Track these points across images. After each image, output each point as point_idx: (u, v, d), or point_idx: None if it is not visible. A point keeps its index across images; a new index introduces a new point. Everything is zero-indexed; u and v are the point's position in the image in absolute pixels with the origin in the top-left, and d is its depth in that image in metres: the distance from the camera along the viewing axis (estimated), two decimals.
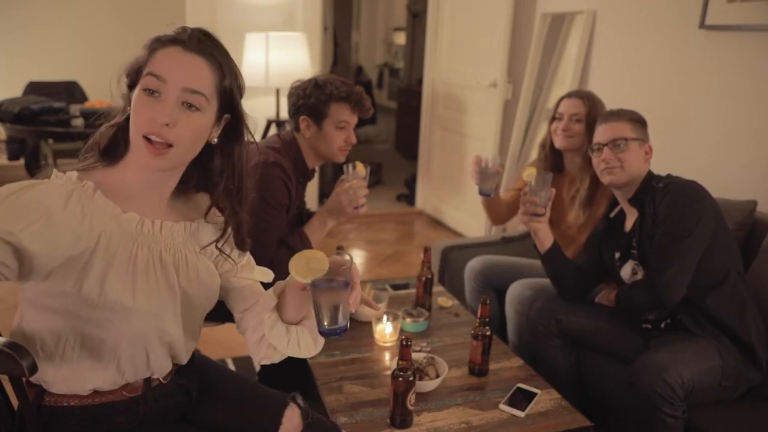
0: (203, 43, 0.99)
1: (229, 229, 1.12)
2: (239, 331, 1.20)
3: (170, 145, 0.96)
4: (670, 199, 1.62)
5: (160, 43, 0.98)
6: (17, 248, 0.85)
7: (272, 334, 1.06)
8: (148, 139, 0.95)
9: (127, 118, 0.99)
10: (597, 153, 1.73)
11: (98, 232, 0.95)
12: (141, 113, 0.95)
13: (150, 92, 0.95)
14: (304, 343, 1.08)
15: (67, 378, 1.01)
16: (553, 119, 2.13)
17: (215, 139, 1.05)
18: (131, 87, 1.00)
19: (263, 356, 1.13)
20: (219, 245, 1.12)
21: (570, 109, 2.06)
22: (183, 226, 1.08)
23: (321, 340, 1.11)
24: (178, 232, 1.07)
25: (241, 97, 1.06)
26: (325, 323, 0.98)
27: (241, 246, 1.16)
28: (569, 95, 2.11)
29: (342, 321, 0.99)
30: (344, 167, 1.83)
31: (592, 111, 2.03)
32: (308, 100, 1.81)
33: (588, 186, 2.03)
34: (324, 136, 1.83)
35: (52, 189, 0.92)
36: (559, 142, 2.09)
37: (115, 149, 1.02)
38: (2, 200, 0.87)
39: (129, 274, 0.98)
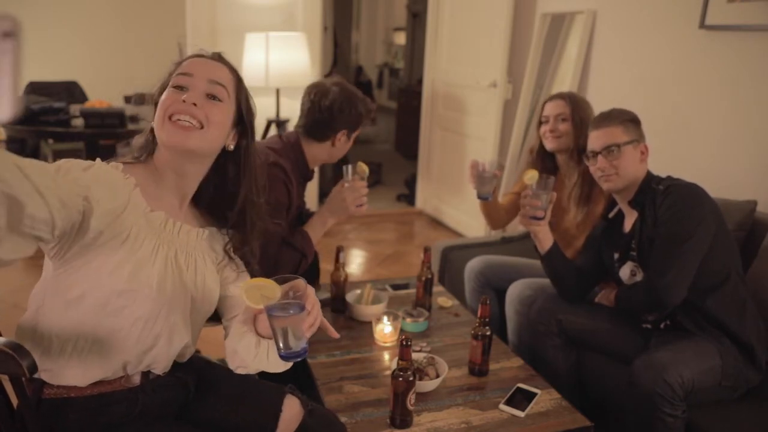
0: (221, 58, 1.15)
1: (232, 236, 1.20)
2: (224, 337, 1.20)
3: (201, 127, 1.05)
4: (670, 202, 1.62)
5: (185, 57, 1.13)
6: (86, 214, 0.94)
7: (241, 345, 1.07)
8: (175, 121, 1.04)
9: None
10: (592, 161, 1.74)
11: (131, 223, 1.03)
12: (168, 98, 1.05)
13: (179, 88, 1.07)
14: (274, 358, 1.06)
15: (73, 368, 1.04)
16: (540, 123, 2.16)
17: (231, 146, 1.14)
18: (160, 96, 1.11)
19: (238, 365, 1.13)
20: (227, 249, 1.19)
21: (554, 110, 2.10)
22: (197, 232, 1.16)
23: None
24: (193, 237, 1.15)
25: (252, 114, 1.18)
26: (281, 347, 0.99)
27: (244, 257, 1.23)
28: (551, 98, 2.15)
29: (297, 345, 0.99)
30: (343, 168, 1.84)
31: (575, 109, 2.07)
32: (350, 113, 1.86)
33: (579, 183, 2.05)
34: (346, 147, 1.93)
35: (114, 171, 1.04)
36: (549, 144, 2.12)
37: (148, 147, 1.12)
38: (86, 169, 0.98)
39: (148, 266, 1.05)
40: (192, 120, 1.04)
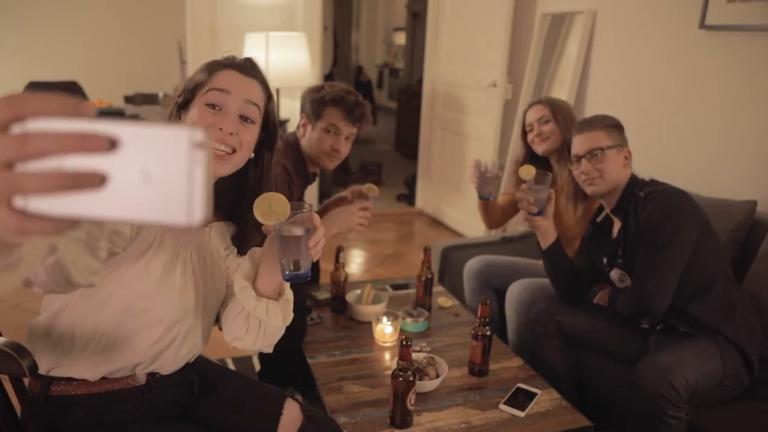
0: (255, 69, 1.14)
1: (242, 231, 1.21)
2: (220, 324, 1.20)
3: (234, 151, 1.05)
4: (650, 210, 1.61)
5: (219, 65, 1.10)
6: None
7: (242, 295, 1.06)
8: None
9: None
10: (576, 165, 1.74)
11: (155, 228, 1.03)
12: (204, 121, 1.04)
13: (212, 106, 1.05)
14: (273, 313, 1.07)
15: (85, 365, 1.05)
16: (525, 134, 2.18)
17: (252, 155, 1.14)
18: (184, 104, 1.09)
19: (235, 336, 1.13)
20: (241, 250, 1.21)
21: (535, 115, 2.13)
22: (207, 231, 1.17)
23: (289, 317, 1.11)
24: (205, 237, 1.16)
25: (277, 126, 1.19)
26: (287, 269, 1.00)
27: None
28: (530, 105, 2.19)
29: (301, 267, 1.01)
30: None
31: (555, 109, 2.11)
32: (307, 98, 1.90)
33: (571, 178, 2.06)
34: (315, 137, 1.88)
35: None
36: (539, 149, 2.13)
37: None
38: None
39: (171, 270, 1.07)
40: (227, 148, 1.04)
